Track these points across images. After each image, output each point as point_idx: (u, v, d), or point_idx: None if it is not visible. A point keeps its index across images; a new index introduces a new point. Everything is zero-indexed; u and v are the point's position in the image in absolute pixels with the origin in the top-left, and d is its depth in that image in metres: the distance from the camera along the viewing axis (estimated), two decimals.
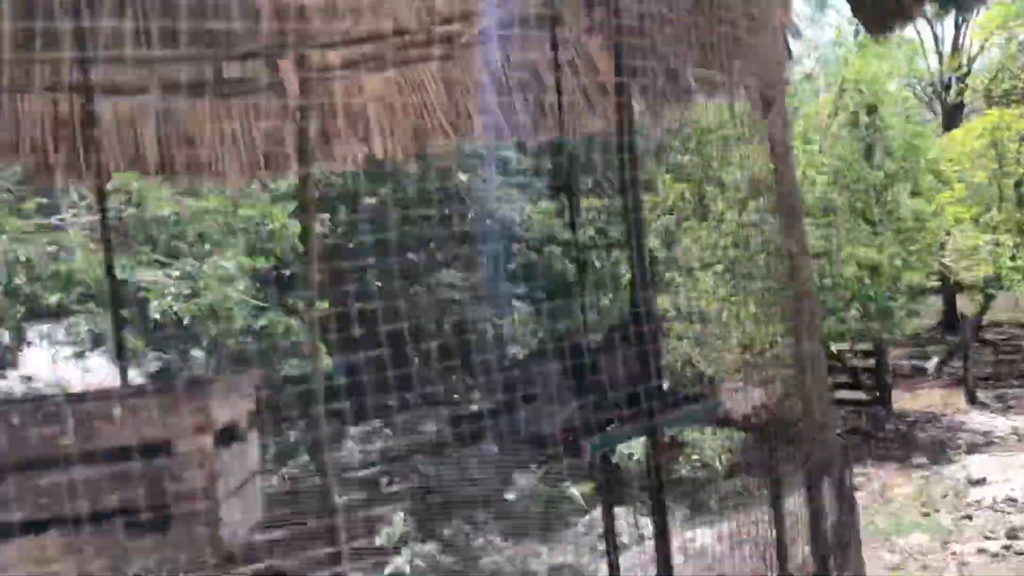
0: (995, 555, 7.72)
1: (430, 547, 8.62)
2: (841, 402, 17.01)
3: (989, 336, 25.38)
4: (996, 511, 9.19)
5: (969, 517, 9.05)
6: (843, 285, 14.63)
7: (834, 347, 15.94)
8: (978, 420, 14.99)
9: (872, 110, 14.34)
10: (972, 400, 16.71)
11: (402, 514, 7.96)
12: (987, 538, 8.17)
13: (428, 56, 3.23)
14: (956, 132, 18.69)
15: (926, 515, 9.38)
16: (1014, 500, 9.38)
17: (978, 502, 9.51)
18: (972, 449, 12.41)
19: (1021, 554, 7.69)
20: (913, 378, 21.00)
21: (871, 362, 17.13)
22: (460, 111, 3.66)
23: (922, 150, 14.76)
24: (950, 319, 23.27)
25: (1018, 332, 25.25)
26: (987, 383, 19.10)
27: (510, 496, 9.15)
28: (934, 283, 16.32)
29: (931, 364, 21.28)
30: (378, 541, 7.79)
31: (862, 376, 17.17)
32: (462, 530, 9.12)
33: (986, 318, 26.12)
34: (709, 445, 10.33)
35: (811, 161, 14.40)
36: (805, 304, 2.90)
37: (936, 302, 26.20)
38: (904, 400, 17.88)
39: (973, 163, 18.75)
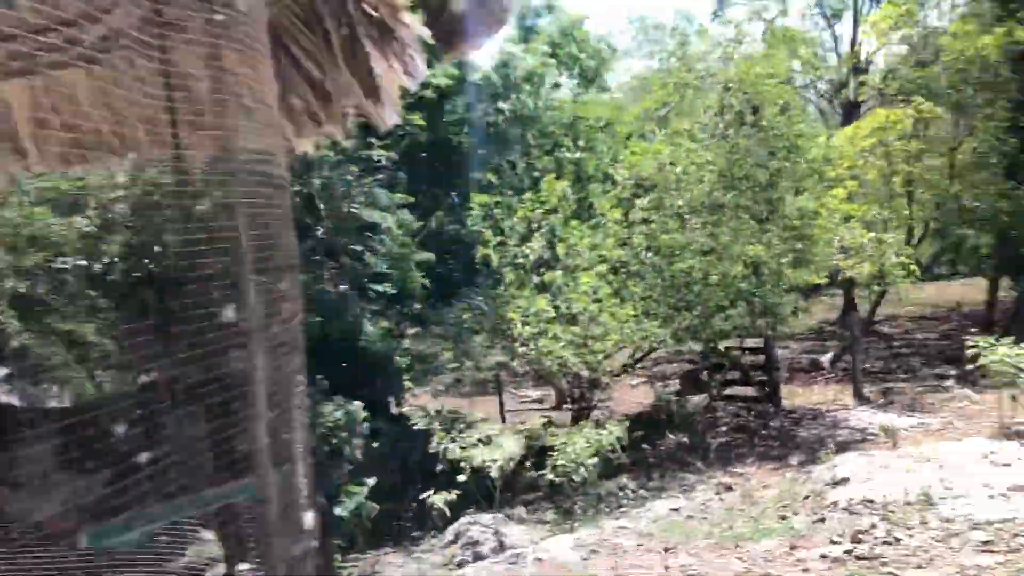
0: (836, 560, 7.70)
1: None
2: (731, 398, 17.20)
3: (886, 330, 26.00)
4: (851, 513, 9.21)
5: (823, 520, 9.06)
6: (729, 283, 14.69)
7: (723, 344, 16.07)
8: (860, 417, 15.18)
9: (756, 110, 14.41)
10: (859, 396, 16.98)
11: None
12: (833, 542, 8.16)
13: (67, 62, 2.91)
14: (847, 130, 19.00)
15: (784, 518, 9.38)
16: (871, 501, 9.41)
17: (835, 504, 9.54)
18: (844, 447, 12.52)
19: (862, 558, 7.69)
20: (810, 372, 21.34)
21: (763, 358, 17.32)
22: (122, 123, 3.33)
23: (805, 149, 14.87)
24: (848, 314, 23.65)
25: (912, 326, 25.91)
26: (877, 377, 19.48)
27: None
28: (823, 280, 16.46)
29: (826, 359, 21.67)
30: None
31: (754, 373, 17.32)
32: None
33: (886, 311, 26.86)
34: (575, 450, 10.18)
35: (696, 159, 14.41)
36: (292, 385, 2.64)
37: (838, 297, 26.78)
38: (797, 395, 18.11)
39: (865, 161, 19.08)
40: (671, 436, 14.77)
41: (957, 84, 18.74)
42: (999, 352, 12.22)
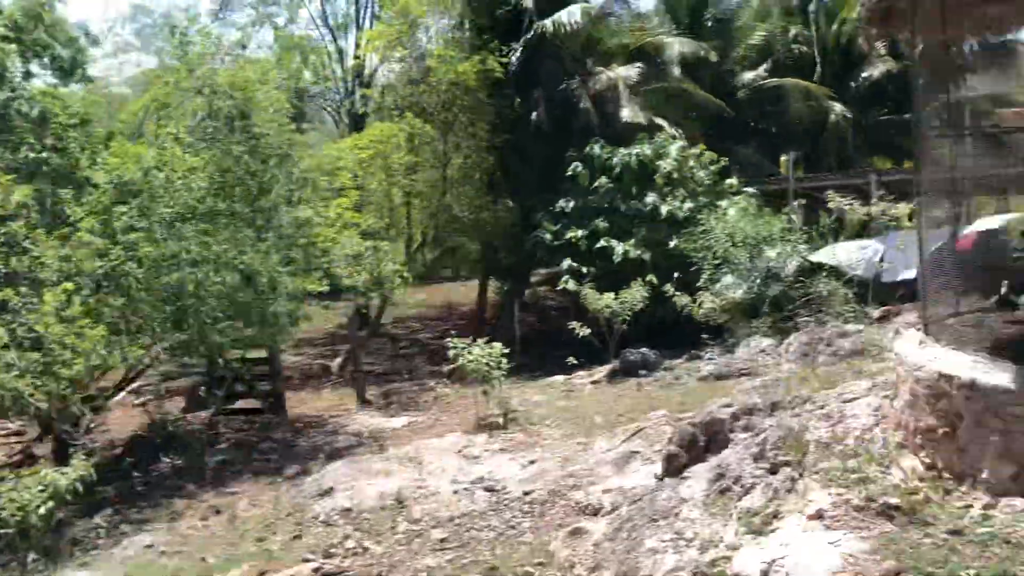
0: None
1: None
2: (236, 412, 16.61)
3: (395, 332, 27.44)
4: (329, 525, 9.27)
5: (300, 536, 8.98)
6: (226, 294, 14.08)
7: (228, 356, 15.46)
8: (360, 421, 15.57)
9: (245, 116, 14.04)
10: (362, 399, 17.51)
11: None
12: (306, 560, 8.10)
13: None
14: (346, 141, 19.50)
15: (262, 540, 9.11)
16: (348, 510, 9.57)
17: (315, 517, 9.54)
18: (338, 455, 12.68)
19: (328, 575, 7.73)
20: (321, 378, 21.59)
21: (268, 368, 17.01)
22: None
23: (297, 159, 14.87)
24: (352, 319, 24.28)
25: (418, 327, 27.71)
26: (382, 379, 20.35)
27: None
28: (324, 287, 16.64)
29: (336, 363, 22.14)
30: None
31: (259, 384, 16.94)
32: None
33: (399, 313, 28.33)
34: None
35: (183, 164, 13.60)
36: None
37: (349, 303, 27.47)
38: (306, 403, 18.13)
39: (365, 172, 19.73)
40: (166, 459, 13.78)
41: (444, 104, 20.30)
42: (473, 353, 13.34)
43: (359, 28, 26.35)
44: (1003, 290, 6.89)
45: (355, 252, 16.85)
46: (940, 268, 7.24)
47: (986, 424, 5.20)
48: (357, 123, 25.91)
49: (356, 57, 25.06)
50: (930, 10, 5.90)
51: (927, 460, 5.68)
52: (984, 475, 5.21)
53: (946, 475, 5.50)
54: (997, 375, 5.26)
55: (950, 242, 11.10)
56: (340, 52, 26.92)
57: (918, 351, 6.01)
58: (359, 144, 18.97)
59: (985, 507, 5.02)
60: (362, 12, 26.92)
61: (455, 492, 9.69)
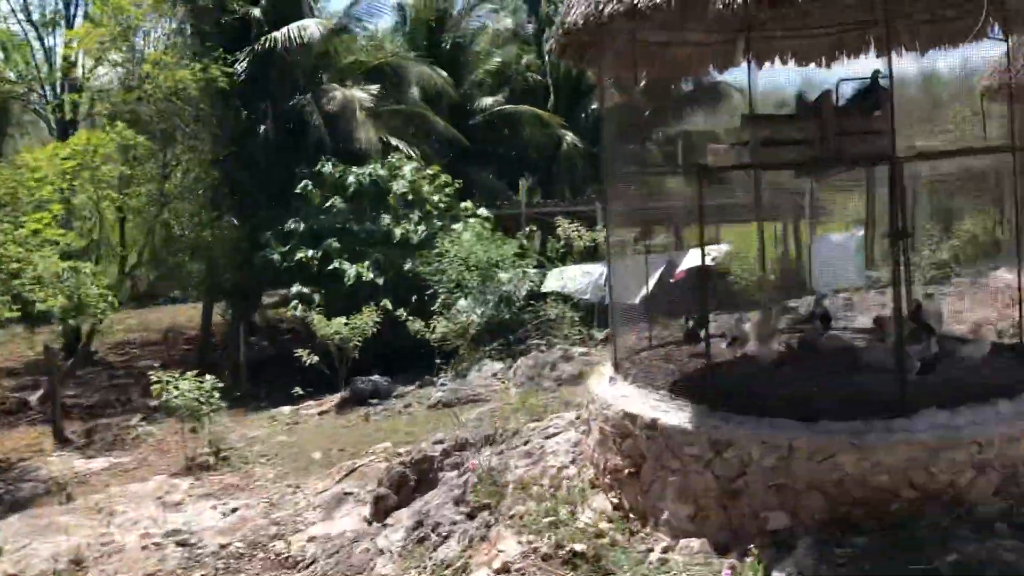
0: None
1: None
2: None
3: (114, 359, 25.01)
4: None
5: None
6: None
7: None
8: (54, 464, 13.87)
9: None
10: (60, 438, 15.66)
11: None
12: None
13: None
14: (43, 151, 17.44)
15: None
16: None
17: None
18: (15, 507, 11.13)
19: None
20: (17, 414, 19.19)
21: None
22: None
23: None
24: (73, 346, 21.92)
25: (139, 353, 25.39)
26: (89, 413, 18.38)
27: None
28: (13, 312, 14.75)
29: (36, 397, 19.79)
30: None
31: None
32: None
33: (121, 339, 25.85)
34: None
35: None
36: None
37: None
38: None
39: (70, 185, 17.78)
40: None
41: (163, 113, 18.79)
42: (181, 387, 12.24)
43: (70, 26, 23.86)
44: (689, 323, 7.11)
45: (50, 273, 15.05)
46: (645, 300, 7.37)
47: (666, 464, 5.21)
48: (67, 130, 23.42)
49: (64, 58, 22.63)
50: (619, 50, 5.91)
51: (615, 500, 5.63)
52: (665, 516, 5.20)
53: (632, 516, 5.46)
54: (676, 414, 5.29)
55: (664, 273, 11.46)
56: (47, 51, 24.31)
57: (608, 388, 5.98)
58: (60, 153, 16.98)
59: (665, 549, 4.99)
60: (72, 8, 24.46)
61: (144, 548, 8.70)
